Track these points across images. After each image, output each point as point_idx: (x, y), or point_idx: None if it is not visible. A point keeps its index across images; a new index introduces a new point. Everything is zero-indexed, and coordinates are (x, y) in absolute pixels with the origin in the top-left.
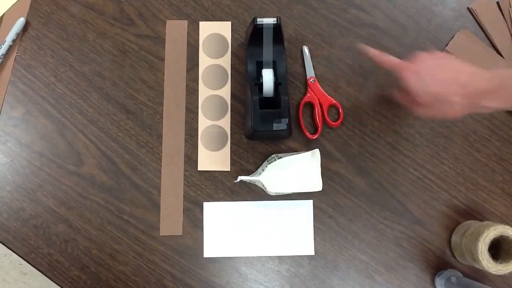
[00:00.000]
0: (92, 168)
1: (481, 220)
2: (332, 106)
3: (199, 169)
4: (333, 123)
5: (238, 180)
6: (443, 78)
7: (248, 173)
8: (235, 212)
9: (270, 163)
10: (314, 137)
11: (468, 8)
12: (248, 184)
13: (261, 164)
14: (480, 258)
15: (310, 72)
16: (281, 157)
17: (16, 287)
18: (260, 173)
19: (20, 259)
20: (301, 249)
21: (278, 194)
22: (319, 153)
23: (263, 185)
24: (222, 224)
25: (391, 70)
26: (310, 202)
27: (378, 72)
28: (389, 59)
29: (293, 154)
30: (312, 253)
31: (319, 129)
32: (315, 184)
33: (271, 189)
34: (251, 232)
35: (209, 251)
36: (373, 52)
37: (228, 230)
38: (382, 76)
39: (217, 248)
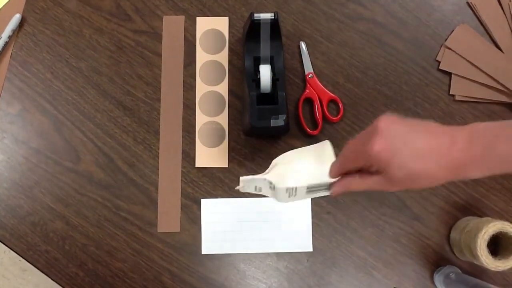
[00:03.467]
0: (89, 165)
1: (480, 216)
2: (331, 101)
3: (196, 165)
4: (333, 118)
5: (241, 185)
6: (420, 149)
7: (246, 169)
8: (233, 209)
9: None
10: (315, 133)
11: (467, 3)
12: None
13: (260, 164)
14: (479, 254)
15: (308, 68)
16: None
17: (15, 283)
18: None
19: None
20: (299, 246)
21: (289, 193)
22: (330, 144)
23: (270, 184)
24: (220, 221)
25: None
26: (307, 200)
27: (377, 68)
28: (347, 156)
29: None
30: (310, 249)
31: (320, 124)
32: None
33: (281, 185)
34: (249, 229)
35: (207, 248)
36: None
37: (226, 227)
38: (381, 72)
39: (215, 245)
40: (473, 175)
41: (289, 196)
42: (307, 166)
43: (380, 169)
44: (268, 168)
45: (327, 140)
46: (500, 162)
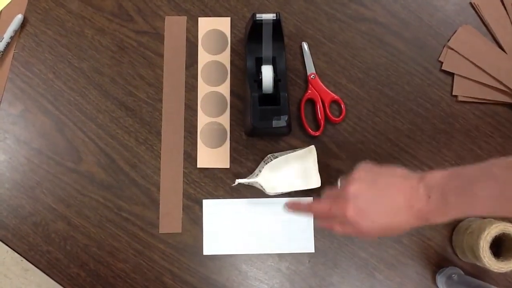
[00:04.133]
0: (91, 166)
1: (483, 218)
2: (333, 102)
3: (198, 166)
4: (335, 119)
5: (236, 183)
6: (385, 208)
7: (248, 170)
8: (235, 210)
9: (266, 163)
10: (317, 134)
11: (470, 3)
12: None
13: (260, 163)
14: (482, 255)
15: (311, 69)
16: (277, 157)
17: (17, 283)
18: (257, 175)
19: None
20: (301, 247)
21: (277, 194)
22: (315, 150)
23: (261, 186)
24: (222, 222)
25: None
26: (310, 200)
27: (379, 68)
28: (317, 207)
29: (289, 153)
30: (312, 250)
31: (322, 125)
32: (313, 181)
33: (270, 190)
34: (251, 230)
35: (208, 249)
36: (298, 205)
37: (228, 227)
38: (383, 72)
39: (216, 246)
40: (436, 222)
41: (275, 194)
42: (293, 172)
43: (353, 226)
44: (261, 163)
45: (312, 146)
46: (455, 211)
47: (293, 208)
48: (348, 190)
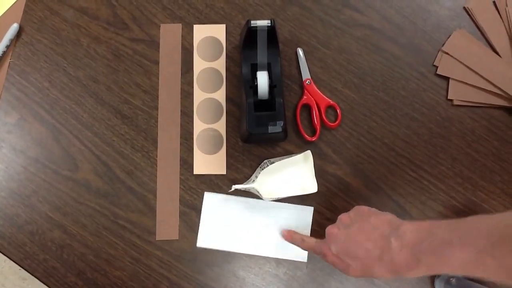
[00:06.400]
0: (87, 173)
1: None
2: (329, 107)
3: (195, 172)
4: (331, 124)
5: (233, 189)
6: (359, 257)
7: (244, 176)
8: (235, 206)
9: (262, 169)
10: (313, 139)
11: (464, 8)
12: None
13: (256, 169)
14: None
15: (306, 74)
16: (273, 162)
17: None
18: (253, 180)
19: None
20: (295, 254)
21: (274, 199)
22: (311, 155)
23: (257, 192)
24: (220, 216)
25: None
26: (310, 209)
27: (374, 73)
28: (307, 245)
29: (285, 158)
30: (305, 260)
31: (318, 131)
32: (310, 186)
33: (266, 196)
34: (248, 229)
35: (202, 241)
36: (293, 237)
37: (225, 222)
38: (378, 77)
39: (211, 239)
40: (407, 276)
41: (271, 200)
42: (290, 178)
43: (334, 267)
44: (258, 168)
45: (308, 151)
46: (426, 270)
47: (288, 239)
48: (329, 233)
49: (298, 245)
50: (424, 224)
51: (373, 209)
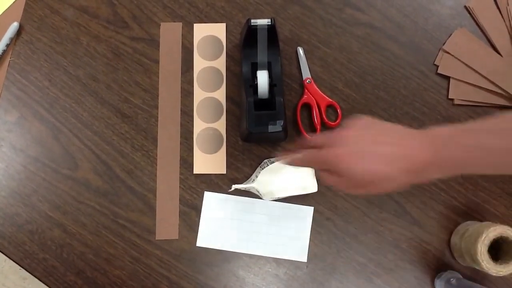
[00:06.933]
0: (87, 172)
1: (481, 221)
2: (329, 106)
3: (194, 172)
4: (332, 123)
5: (233, 189)
6: (383, 154)
7: (244, 175)
8: (235, 206)
9: (262, 168)
10: None
11: (465, 6)
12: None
13: (256, 168)
14: (480, 259)
15: (306, 73)
16: (273, 162)
17: None
18: (253, 180)
19: None
20: (295, 254)
21: (274, 199)
22: None
23: (257, 192)
24: (220, 216)
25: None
26: (310, 209)
27: (375, 72)
28: (309, 155)
29: None
30: (305, 260)
31: (318, 130)
32: (310, 186)
33: (266, 195)
34: (247, 228)
35: (202, 241)
36: (289, 160)
37: (225, 222)
38: (379, 77)
39: (210, 239)
40: (433, 176)
41: (271, 200)
42: (290, 177)
43: (345, 173)
44: (258, 168)
45: None
46: (455, 166)
47: (287, 160)
48: (343, 134)
49: (301, 162)
50: (456, 127)
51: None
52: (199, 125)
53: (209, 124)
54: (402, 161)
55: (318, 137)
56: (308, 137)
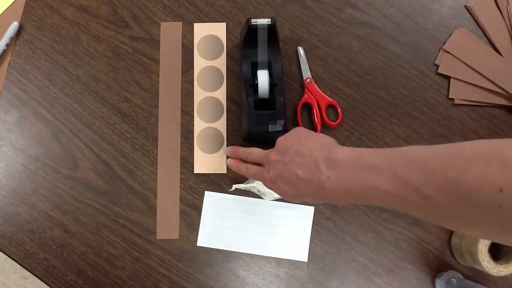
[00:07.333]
0: (87, 172)
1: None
2: (330, 106)
3: (195, 171)
4: (332, 123)
5: (233, 188)
6: (294, 177)
7: (245, 176)
8: (235, 206)
9: None
10: None
11: (465, 6)
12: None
13: None
14: (480, 259)
15: (307, 73)
16: None
17: None
18: (254, 180)
19: None
20: (295, 254)
21: (274, 199)
22: None
23: (258, 191)
24: (220, 215)
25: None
26: (311, 209)
27: (375, 72)
28: (251, 172)
29: None
30: (305, 260)
31: (318, 130)
32: None
33: (267, 195)
34: (248, 228)
35: (202, 241)
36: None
37: (226, 222)
38: (379, 76)
39: (211, 238)
40: (335, 203)
41: (271, 199)
42: None
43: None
44: None
45: None
46: (355, 198)
47: (234, 168)
48: (267, 159)
49: (243, 174)
50: (357, 150)
51: (311, 130)
52: (199, 125)
53: (209, 123)
54: (305, 185)
55: (255, 152)
56: (247, 150)
